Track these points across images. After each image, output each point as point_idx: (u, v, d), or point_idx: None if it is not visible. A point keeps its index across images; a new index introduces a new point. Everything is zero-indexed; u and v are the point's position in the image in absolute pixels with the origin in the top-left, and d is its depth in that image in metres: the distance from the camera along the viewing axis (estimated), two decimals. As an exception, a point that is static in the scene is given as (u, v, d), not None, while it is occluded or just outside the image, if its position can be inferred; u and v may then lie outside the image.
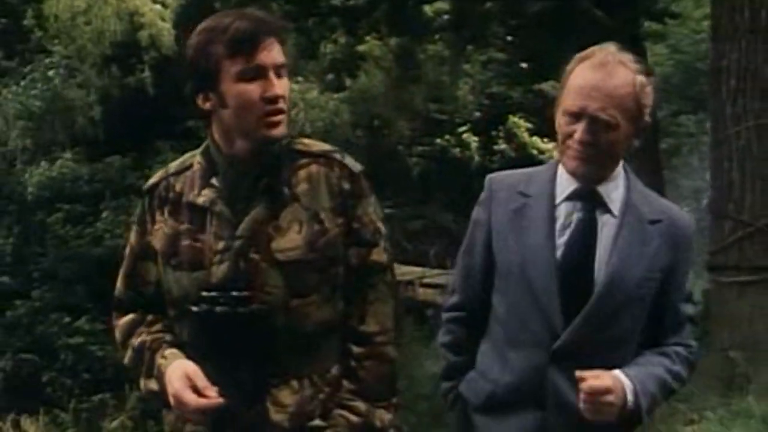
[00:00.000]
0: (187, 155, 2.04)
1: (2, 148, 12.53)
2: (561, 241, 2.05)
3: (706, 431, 4.55)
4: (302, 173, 1.94)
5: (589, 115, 1.99)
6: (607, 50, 2.05)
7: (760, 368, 6.25)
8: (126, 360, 2.07)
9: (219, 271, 1.90)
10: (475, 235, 2.20)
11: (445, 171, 18.03)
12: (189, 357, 1.93)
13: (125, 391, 8.69)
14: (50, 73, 12.61)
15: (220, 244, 1.90)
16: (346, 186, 1.94)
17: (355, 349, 1.95)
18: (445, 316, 2.29)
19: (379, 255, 1.97)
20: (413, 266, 11.82)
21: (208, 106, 1.93)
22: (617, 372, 1.98)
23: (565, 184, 2.09)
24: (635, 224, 2.05)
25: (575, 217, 2.06)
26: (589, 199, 2.07)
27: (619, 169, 2.09)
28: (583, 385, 1.92)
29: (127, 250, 2.07)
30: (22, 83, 12.87)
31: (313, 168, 1.94)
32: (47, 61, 13.12)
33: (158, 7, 15.21)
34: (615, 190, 2.07)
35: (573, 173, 2.05)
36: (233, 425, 1.89)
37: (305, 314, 1.91)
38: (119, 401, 9.00)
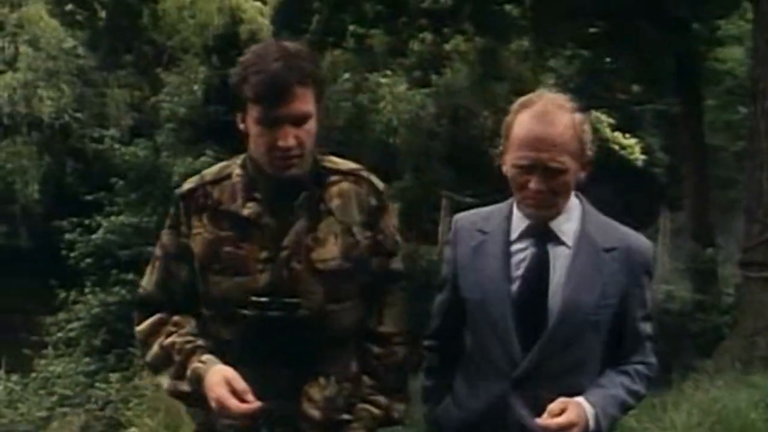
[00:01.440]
0: (222, 164, 2.11)
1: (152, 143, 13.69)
2: (516, 274, 2.09)
3: (719, 396, 5.22)
4: (335, 189, 2.03)
5: (540, 167, 2.02)
6: (545, 97, 2.09)
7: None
8: (148, 357, 2.09)
9: (263, 278, 1.97)
10: (446, 272, 2.26)
11: None
12: (224, 359, 1.98)
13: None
14: (194, 87, 13.63)
15: (264, 254, 1.98)
16: (373, 202, 2.05)
17: (375, 349, 2.07)
18: (424, 343, 2.35)
19: (397, 264, 2.09)
20: None
21: (242, 127, 2.01)
22: (580, 399, 2.02)
23: (519, 221, 2.13)
24: (590, 253, 2.09)
25: (529, 252, 2.10)
26: (542, 234, 2.11)
27: (573, 201, 2.13)
28: (550, 423, 1.95)
29: (158, 252, 2.10)
30: (165, 90, 13.96)
31: (344, 185, 2.04)
32: (192, 76, 14.11)
33: (258, 4, 16.14)
34: (566, 222, 2.11)
35: (531, 218, 2.11)
36: (269, 420, 1.97)
37: (338, 318, 2.01)
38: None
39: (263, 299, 1.96)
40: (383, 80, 14.32)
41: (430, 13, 11.50)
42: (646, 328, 2.17)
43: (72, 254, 12.68)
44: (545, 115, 2.03)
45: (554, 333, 2.05)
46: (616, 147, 18.88)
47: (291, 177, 1.98)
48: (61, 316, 12.19)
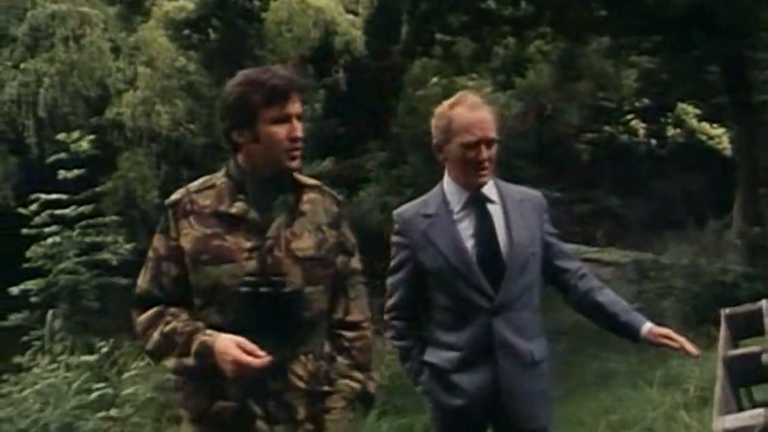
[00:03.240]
0: (204, 178, 2.38)
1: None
2: (469, 233, 2.66)
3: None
4: (305, 197, 2.35)
5: (488, 140, 2.62)
6: (471, 95, 2.73)
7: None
8: (149, 345, 2.29)
9: (249, 264, 2.23)
10: (400, 255, 2.76)
11: (612, 157, 18.18)
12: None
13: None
14: (316, 105, 14.54)
15: (249, 244, 2.24)
16: (335, 209, 2.40)
17: (347, 334, 2.38)
18: (386, 317, 2.84)
19: (356, 263, 2.43)
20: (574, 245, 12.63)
21: (241, 140, 2.28)
22: (650, 327, 2.64)
23: (457, 197, 2.71)
24: (513, 206, 2.71)
25: (473, 214, 2.68)
26: (481, 200, 2.70)
27: None
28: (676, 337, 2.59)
29: (151, 254, 2.34)
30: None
31: (312, 195, 2.37)
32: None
33: (351, 17, 17.15)
34: (488, 188, 2.71)
35: (474, 187, 2.67)
36: (264, 393, 2.22)
37: (313, 301, 2.29)
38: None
39: (255, 279, 2.21)
40: (469, 83, 14.96)
41: (511, 20, 12.14)
42: (565, 246, 2.83)
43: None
44: (479, 106, 2.66)
45: (511, 267, 2.64)
46: (704, 137, 19.05)
47: (295, 168, 2.31)
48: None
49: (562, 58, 13.53)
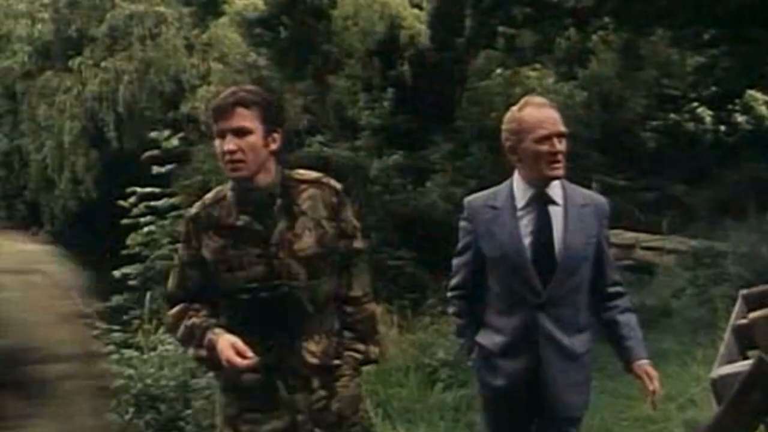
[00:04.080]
0: (217, 189, 2.66)
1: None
2: (528, 230, 2.78)
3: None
4: (304, 195, 2.58)
5: (559, 133, 2.75)
6: (536, 98, 2.92)
7: None
8: (178, 335, 2.68)
9: (258, 269, 2.53)
10: (465, 240, 2.92)
11: (678, 144, 18.03)
12: (232, 331, 2.53)
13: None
14: (385, 103, 14.83)
15: (257, 251, 2.53)
16: (334, 200, 2.61)
17: (349, 309, 2.67)
18: (449, 294, 3.03)
19: (358, 243, 2.68)
20: (641, 234, 12.76)
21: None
22: (644, 361, 2.83)
23: (522, 194, 2.82)
24: (574, 209, 2.80)
25: (533, 214, 2.79)
26: (544, 199, 2.81)
27: None
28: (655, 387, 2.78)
29: (176, 261, 2.71)
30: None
31: (311, 190, 2.59)
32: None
33: (416, 11, 17.47)
34: (554, 189, 2.82)
35: (558, 177, 2.80)
36: (282, 369, 2.55)
37: (319, 290, 2.58)
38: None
39: (256, 285, 2.52)
40: (532, 74, 15.15)
41: (573, 11, 12.32)
42: (611, 255, 2.98)
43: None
44: (545, 106, 2.85)
45: (562, 267, 2.78)
46: (773, 124, 18.77)
47: (234, 177, 2.53)
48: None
49: (626, 47, 13.57)
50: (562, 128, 2.78)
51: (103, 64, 20.86)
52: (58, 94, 21.13)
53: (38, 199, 22.43)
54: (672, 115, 18.81)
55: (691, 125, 18.99)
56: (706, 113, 19.04)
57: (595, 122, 17.00)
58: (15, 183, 22.60)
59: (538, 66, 15.27)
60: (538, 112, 2.78)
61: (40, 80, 21.35)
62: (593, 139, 16.18)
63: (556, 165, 2.76)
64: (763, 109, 19.01)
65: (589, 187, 12.69)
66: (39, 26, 21.27)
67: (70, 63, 20.94)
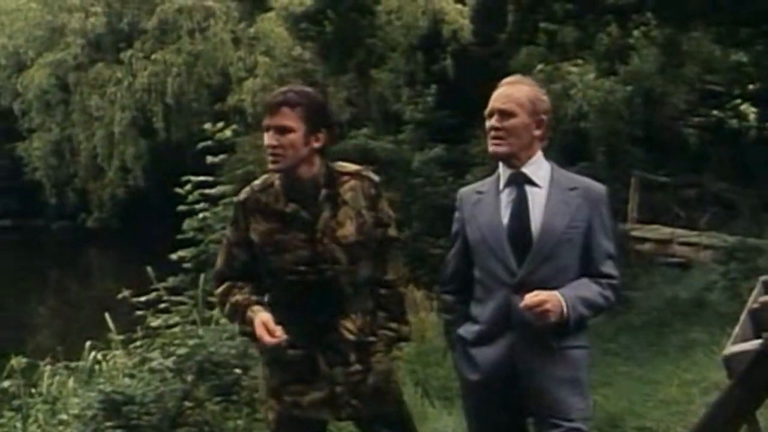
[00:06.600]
0: (265, 176, 2.80)
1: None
2: (508, 211, 2.71)
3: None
4: (346, 186, 2.77)
5: (499, 111, 2.71)
6: (516, 77, 2.82)
7: None
8: (225, 311, 2.86)
9: (303, 253, 2.71)
10: (455, 228, 2.88)
11: (721, 141, 17.70)
12: (272, 309, 2.72)
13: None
14: (428, 99, 14.74)
15: (303, 236, 2.71)
16: (372, 191, 2.80)
17: (383, 291, 2.84)
18: (440, 289, 3.01)
19: (392, 231, 2.86)
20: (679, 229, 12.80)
21: None
22: (554, 292, 2.58)
23: (503, 174, 2.76)
24: (558, 191, 2.71)
25: (514, 193, 2.72)
26: (520, 179, 2.74)
27: (539, 156, 2.76)
28: (523, 303, 2.55)
29: (225, 241, 2.87)
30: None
31: (352, 182, 2.78)
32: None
33: (458, 6, 17.66)
34: (539, 171, 2.74)
35: (495, 155, 2.74)
36: (322, 344, 2.75)
37: (358, 274, 2.77)
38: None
39: (302, 268, 2.71)
40: (574, 69, 15.19)
41: (615, 8, 12.43)
42: (609, 246, 2.73)
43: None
44: (511, 83, 2.80)
45: (537, 248, 2.66)
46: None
47: (272, 171, 2.71)
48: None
49: (667, 43, 13.60)
50: (504, 106, 2.71)
51: (152, 56, 21.41)
52: (109, 86, 21.75)
53: (87, 187, 23.13)
54: (714, 112, 18.48)
55: (734, 122, 18.78)
56: (749, 110, 18.84)
57: (636, 118, 16.97)
58: (65, 171, 23.34)
59: (579, 62, 15.27)
60: (498, 90, 2.77)
61: (92, 72, 22.00)
62: (634, 135, 16.20)
63: (494, 141, 2.73)
64: (807, 105, 18.73)
65: (628, 183, 12.49)
66: (92, 19, 21.88)
67: (121, 55, 21.54)
